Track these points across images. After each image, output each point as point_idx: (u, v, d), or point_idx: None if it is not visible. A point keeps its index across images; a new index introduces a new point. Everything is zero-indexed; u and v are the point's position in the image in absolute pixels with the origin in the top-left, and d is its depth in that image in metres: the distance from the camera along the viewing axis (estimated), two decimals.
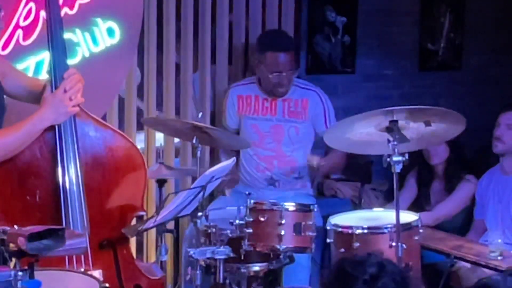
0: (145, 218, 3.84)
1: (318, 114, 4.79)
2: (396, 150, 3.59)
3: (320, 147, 4.93)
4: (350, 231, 3.85)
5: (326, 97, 4.86)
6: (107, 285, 3.02)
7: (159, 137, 4.99)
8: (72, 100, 3.47)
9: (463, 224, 4.98)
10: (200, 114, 4.56)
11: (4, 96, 3.58)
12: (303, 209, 3.89)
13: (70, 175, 3.46)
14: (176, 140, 5.02)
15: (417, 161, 4.99)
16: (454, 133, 3.86)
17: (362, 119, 3.70)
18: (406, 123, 3.67)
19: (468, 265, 4.50)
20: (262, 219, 3.82)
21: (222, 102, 5.04)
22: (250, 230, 3.81)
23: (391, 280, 2.28)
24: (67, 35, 3.77)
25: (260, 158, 4.82)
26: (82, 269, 3.40)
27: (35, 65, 4.16)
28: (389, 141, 3.62)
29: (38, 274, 2.65)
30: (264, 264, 3.97)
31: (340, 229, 3.91)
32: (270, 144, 4.81)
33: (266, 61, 4.70)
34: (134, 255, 4.06)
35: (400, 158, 3.59)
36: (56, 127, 3.47)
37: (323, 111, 4.80)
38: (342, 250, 3.87)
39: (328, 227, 3.97)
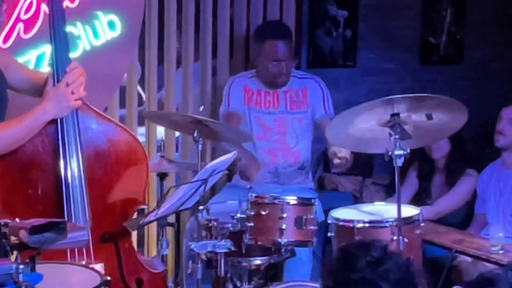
0: (146, 211, 3.84)
1: (317, 99, 4.80)
2: (397, 144, 3.59)
3: (321, 141, 4.93)
4: (351, 225, 3.85)
5: (324, 84, 4.87)
6: (108, 278, 3.02)
7: (160, 130, 5.00)
8: (74, 94, 3.47)
9: (465, 218, 4.99)
10: (201, 108, 4.56)
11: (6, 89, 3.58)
12: (305, 203, 3.89)
13: (72, 169, 3.46)
14: (177, 133, 5.02)
15: (419, 155, 4.99)
16: (456, 125, 3.84)
17: (362, 111, 3.69)
18: (408, 116, 3.66)
19: (469, 259, 4.51)
20: (263, 213, 3.81)
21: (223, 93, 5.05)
22: (251, 224, 3.80)
23: (396, 268, 2.26)
24: (68, 28, 3.75)
25: (265, 151, 4.82)
26: (84, 263, 3.40)
27: (36, 58, 4.16)
28: (390, 134, 3.61)
29: (40, 267, 2.64)
30: (265, 258, 3.96)
31: (341, 223, 3.90)
32: (275, 137, 4.82)
33: (265, 50, 4.71)
34: (136, 248, 4.05)
35: (401, 152, 3.58)
36: (58, 120, 3.46)
37: (322, 96, 4.81)
38: (344, 244, 3.86)
39: (329, 221, 3.96)
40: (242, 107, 4.83)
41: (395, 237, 3.67)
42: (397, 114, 3.63)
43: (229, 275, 3.90)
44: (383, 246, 2.32)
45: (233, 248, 3.66)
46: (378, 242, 2.34)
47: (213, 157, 4.94)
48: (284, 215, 3.80)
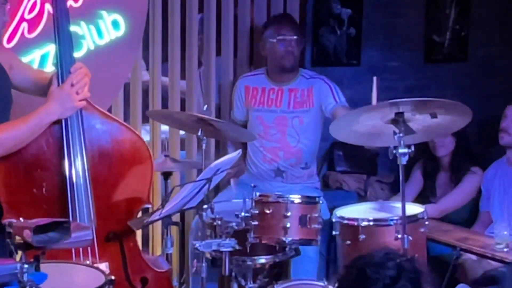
0: (151, 210, 3.84)
1: (325, 94, 4.78)
2: (402, 142, 3.59)
3: (327, 139, 4.92)
4: (355, 223, 3.85)
5: (332, 81, 4.86)
6: (113, 277, 3.02)
7: (164, 130, 5.00)
8: (79, 94, 3.48)
9: (469, 216, 4.98)
10: (205, 107, 4.56)
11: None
12: (309, 201, 3.89)
13: (76, 168, 3.46)
14: (182, 132, 5.02)
15: (423, 153, 4.98)
16: (460, 124, 3.84)
17: (367, 111, 3.69)
18: (412, 115, 3.66)
19: (474, 257, 4.50)
20: (267, 211, 3.81)
21: (229, 94, 5.06)
22: (256, 223, 3.81)
23: (408, 281, 2.29)
24: (72, 28, 3.75)
25: (266, 150, 4.83)
26: (88, 262, 3.41)
27: (40, 58, 4.16)
28: (395, 133, 3.61)
29: (44, 267, 2.65)
30: (270, 256, 3.96)
31: (345, 221, 3.91)
32: (275, 136, 4.82)
33: (272, 30, 4.82)
34: (140, 247, 4.05)
35: (406, 150, 3.58)
36: (63, 120, 3.47)
37: (329, 90, 4.79)
38: (348, 242, 3.87)
39: (333, 219, 3.96)
40: (242, 115, 4.94)
41: (399, 236, 3.67)
42: (402, 113, 3.63)
43: (233, 274, 3.90)
44: (397, 262, 2.33)
45: (237, 247, 3.66)
46: (391, 258, 2.35)
47: (217, 156, 4.95)
48: (289, 214, 3.80)
